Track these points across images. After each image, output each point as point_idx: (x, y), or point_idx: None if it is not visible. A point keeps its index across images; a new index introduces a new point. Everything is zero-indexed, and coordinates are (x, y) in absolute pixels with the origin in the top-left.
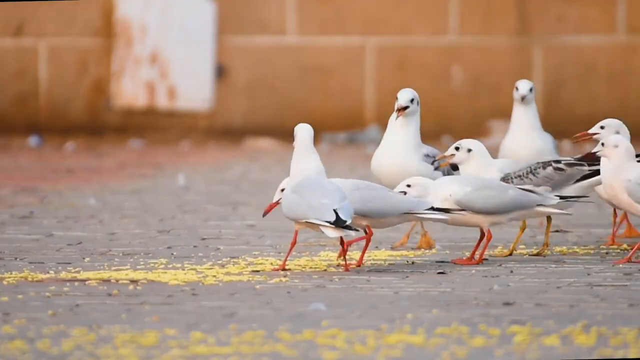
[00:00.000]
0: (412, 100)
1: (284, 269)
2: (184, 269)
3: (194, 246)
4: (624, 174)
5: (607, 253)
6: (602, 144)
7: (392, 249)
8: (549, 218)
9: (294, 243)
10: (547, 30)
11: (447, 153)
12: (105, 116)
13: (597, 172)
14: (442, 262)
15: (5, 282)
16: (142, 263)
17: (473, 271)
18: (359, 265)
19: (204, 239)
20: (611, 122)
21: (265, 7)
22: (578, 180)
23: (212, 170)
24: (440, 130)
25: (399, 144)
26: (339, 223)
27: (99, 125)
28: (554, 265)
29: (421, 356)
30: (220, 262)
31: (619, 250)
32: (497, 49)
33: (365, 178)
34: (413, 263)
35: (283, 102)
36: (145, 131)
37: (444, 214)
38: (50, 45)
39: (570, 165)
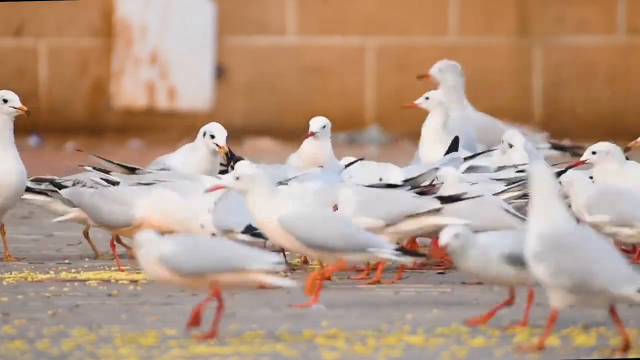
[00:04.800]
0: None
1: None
2: None
3: None
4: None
5: None
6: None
7: None
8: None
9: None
10: (547, 30)
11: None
12: (105, 116)
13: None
14: (441, 262)
15: (5, 282)
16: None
17: None
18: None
19: None
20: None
21: (265, 7)
22: None
23: None
24: None
25: None
26: None
27: (99, 125)
28: None
29: (421, 356)
30: None
31: None
32: (497, 49)
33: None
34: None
35: (283, 102)
36: (145, 131)
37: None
38: (50, 45)
39: None
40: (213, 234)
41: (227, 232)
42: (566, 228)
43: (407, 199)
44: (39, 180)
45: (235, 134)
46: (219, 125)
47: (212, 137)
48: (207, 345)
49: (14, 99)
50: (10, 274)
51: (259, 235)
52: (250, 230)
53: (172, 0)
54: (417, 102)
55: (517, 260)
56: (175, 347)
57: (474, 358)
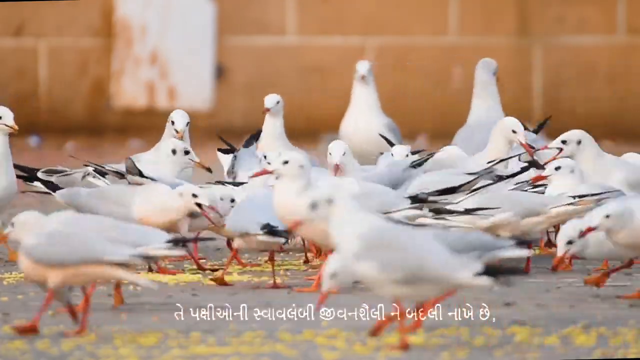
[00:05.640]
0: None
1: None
2: (184, 269)
3: None
4: None
5: None
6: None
7: None
8: None
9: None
10: (547, 30)
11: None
12: (105, 116)
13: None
14: None
15: (5, 282)
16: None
17: None
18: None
19: None
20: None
21: (265, 7)
22: None
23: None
24: (440, 130)
25: None
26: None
27: (99, 125)
28: None
29: (421, 356)
30: (220, 262)
31: None
32: (497, 49)
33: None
34: None
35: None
36: (145, 131)
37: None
38: (50, 45)
39: None
40: (211, 207)
41: (244, 235)
42: (383, 226)
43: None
44: (51, 172)
45: (235, 134)
46: (180, 111)
47: (173, 123)
48: (207, 345)
49: (8, 116)
50: (10, 274)
51: (279, 233)
52: (268, 228)
53: (172, 0)
54: (269, 106)
55: None
56: (175, 347)
57: (474, 358)
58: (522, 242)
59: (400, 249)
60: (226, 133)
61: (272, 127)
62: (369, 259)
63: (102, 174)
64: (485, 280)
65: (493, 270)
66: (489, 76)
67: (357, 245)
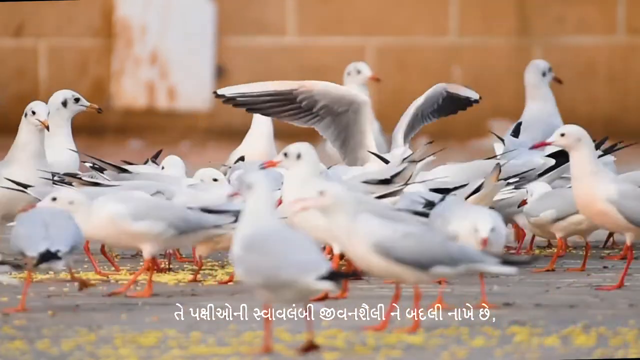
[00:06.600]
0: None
1: None
2: (184, 269)
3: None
4: None
5: (608, 254)
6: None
7: None
8: None
9: None
10: (547, 30)
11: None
12: (105, 116)
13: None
14: None
15: (5, 283)
16: (142, 263)
17: None
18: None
19: None
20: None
21: (265, 7)
22: None
23: None
24: (440, 131)
25: None
26: None
27: (99, 125)
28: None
29: (421, 356)
30: (220, 262)
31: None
32: (497, 49)
33: None
34: None
35: None
36: (145, 131)
37: None
38: (50, 45)
39: None
40: None
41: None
42: (264, 229)
43: None
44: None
45: (235, 134)
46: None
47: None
48: (207, 345)
49: (41, 112)
50: (10, 274)
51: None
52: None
53: (172, 0)
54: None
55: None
56: (175, 347)
57: (474, 358)
58: (508, 261)
59: (262, 253)
60: (226, 133)
61: (265, 126)
62: (240, 263)
63: (102, 169)
64: (327, 285)
65: (336, 275)
66: (538, 78)
67: (237, 248)
